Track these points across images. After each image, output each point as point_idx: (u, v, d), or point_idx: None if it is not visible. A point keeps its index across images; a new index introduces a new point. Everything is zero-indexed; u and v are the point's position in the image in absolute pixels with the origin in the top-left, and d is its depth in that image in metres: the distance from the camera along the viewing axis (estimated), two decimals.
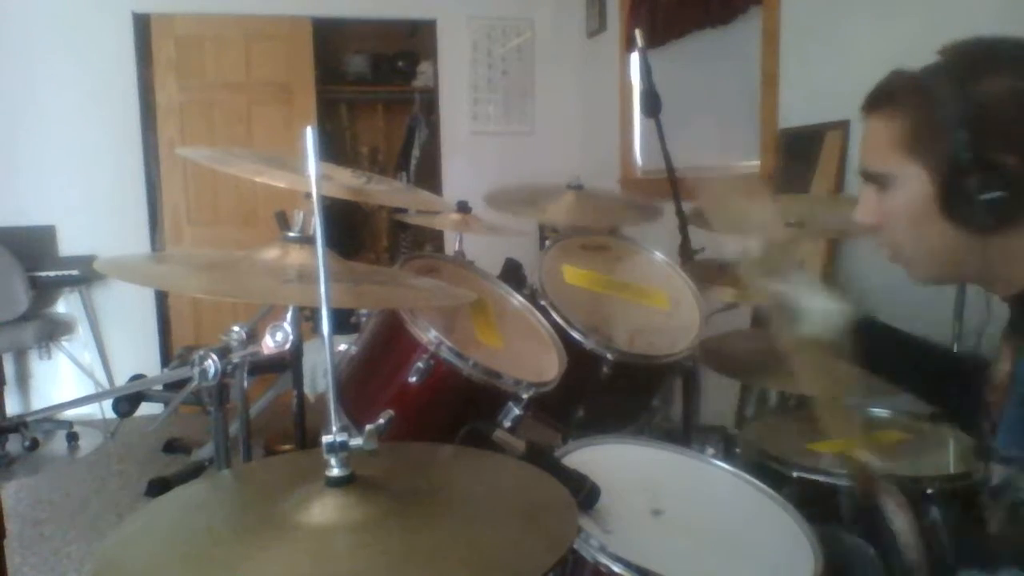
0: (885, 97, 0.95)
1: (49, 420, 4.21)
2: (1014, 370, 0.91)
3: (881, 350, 1.17)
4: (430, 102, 4.97)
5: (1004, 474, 0.83)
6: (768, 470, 1.39)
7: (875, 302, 2.30)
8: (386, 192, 1.74)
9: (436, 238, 4.82)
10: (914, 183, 0.91)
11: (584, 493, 1.06)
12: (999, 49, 0.88)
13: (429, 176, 4.86)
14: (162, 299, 4.57)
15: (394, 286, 1.40)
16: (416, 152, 4.99)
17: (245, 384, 1.33)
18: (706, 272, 1.93)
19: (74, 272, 4.21)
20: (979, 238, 0.89)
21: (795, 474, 1.38)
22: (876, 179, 0.96)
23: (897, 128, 0.92)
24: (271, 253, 1.28)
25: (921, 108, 0.90)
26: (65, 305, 4.47)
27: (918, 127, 0.90)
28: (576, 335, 1.54)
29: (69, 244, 4.37)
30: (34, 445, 3.96)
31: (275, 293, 1.20)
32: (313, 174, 0.89)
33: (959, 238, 0.90)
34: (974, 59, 0.88)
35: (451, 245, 2.73)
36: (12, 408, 4.29)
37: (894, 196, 0.94)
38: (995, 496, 0.85)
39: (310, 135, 0.89)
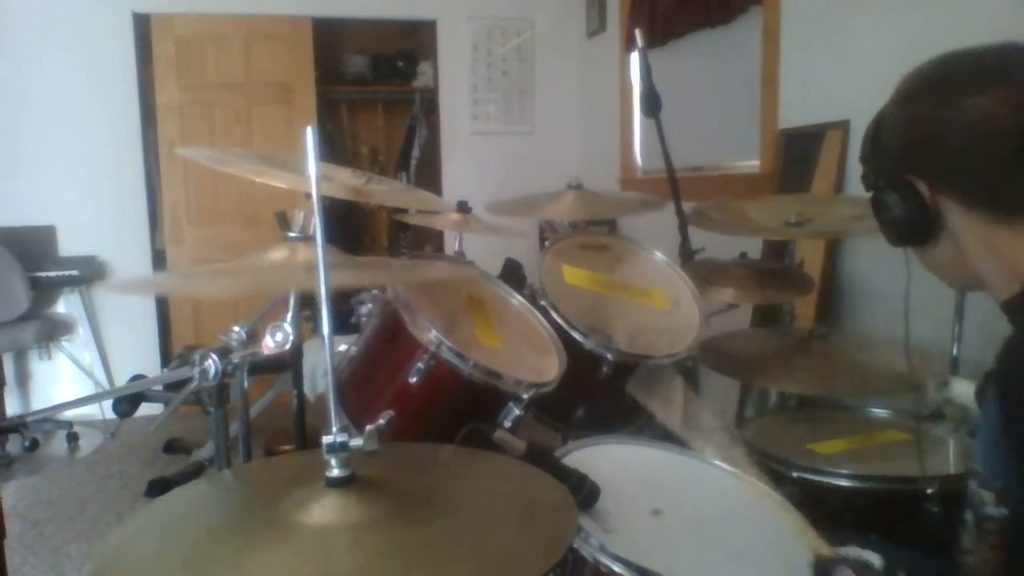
0: None
1: (49, 420, 4.21)
2: None
3: None
4: (430, 102, 4.97)
5: (972, 487, 0.84)
6: (768, 470, 1.39)
7: (874, 302, 2.30)
8: (386, 192, 1.74)
9: (436, 238, 4.82)
10: None
11: (584, 493, 1.06)
12: (932, 76, 0.90)
13: (429, 176, 4.86)
14: (162, 299, 4.57)
15: (400, 268, 1.39)
16: (416, 152, 4.99)
17: (245, 384, 1.33)
18: (706, 272, 1.93)
19: (74, 272, 4.21)
20: (912, 251, 0.96)
21: (795, 474, 1.38)
22: None
23: None
24: (276, 254, 1.28)
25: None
26: (65, 305, 4.47)
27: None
28: (576, 335, 1.54)
29: (69, 244, 4.37)
30: (34, 445, 3.96)
31: (283, 283, 1.20)
32: (313, 174, 0.89)
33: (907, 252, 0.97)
34: (905, 87, 0.92)
35: (451, 245, 2.74)
36: (12, 408, 4.29)
37: None
38: (967, 508, 0.86)
39: (310, 135, 0.89)
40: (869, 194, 0.97)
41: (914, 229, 0.92)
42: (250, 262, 1.26)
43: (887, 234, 0.96)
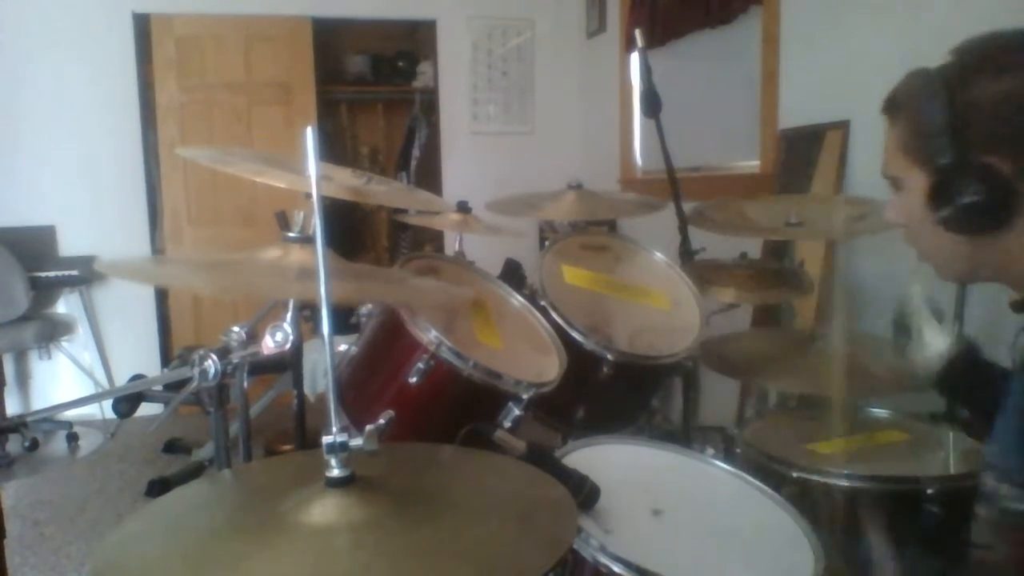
0: (892, 101, 0.95)
1: (49, 420, 4.21)
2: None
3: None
4: (430, 102, 4.97)
5: (990, 482, 0.83)
6: (768, 470, 1.39)
7: (873, 302, 2.30)
8: (386, 192, 1.74)
9: (436, 238, 4.82)
10: (916, 185, 0.92)
11: (584, 493, 1.06)
12: (1006, 48, 0.86)
13: (429, 176, 4.86)
14: (162, 299, 4.57)
15: (395, 284, 1.40)
16: (416, 152, 4.99)
17: (245, 384, 1.33)
18: (706, 272, 1.93)
19: (74, 272, 4.21)
20: (969, 240, 0.88)
21: (795, 474, 1.38)
22: (891, 181, 0.98)
23: (899, 132, 0.93)
24: (272, 253, 1.28)
25: (914, 111, 0.90)
26: (65, 305, 4.47)
27: (912, 131, 0.91)
28: (576, 335, 1.54)
29: (69, 244, 4.37)
30: (34, 445, 3.96)
31: (278, 290, 1.20)
32: (313, 174, 0.89)
33: (953, 240, 0.90)
34: (977, 59, 0.86)
35: (451, 245, 2.73)
36: (12, 408, 4.29)
37: (904, 198, 0.95)
38: (983, 503, 0.85)
39: (310, 135, 0.89)
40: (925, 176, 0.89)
41: (988, 216, 0.84)
42: (247, 256, 1.26)
43: (952, 220, 0.87)
